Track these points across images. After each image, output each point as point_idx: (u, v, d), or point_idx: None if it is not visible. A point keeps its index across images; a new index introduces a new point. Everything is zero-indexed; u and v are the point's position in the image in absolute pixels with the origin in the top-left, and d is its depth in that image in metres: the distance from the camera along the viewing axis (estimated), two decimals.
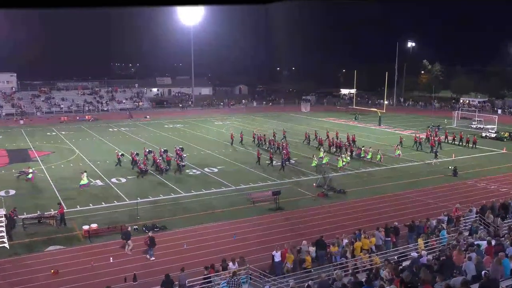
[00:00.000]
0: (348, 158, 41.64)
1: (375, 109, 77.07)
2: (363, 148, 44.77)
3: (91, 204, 29.89)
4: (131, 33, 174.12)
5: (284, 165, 39.66)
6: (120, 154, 41.66)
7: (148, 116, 79.74)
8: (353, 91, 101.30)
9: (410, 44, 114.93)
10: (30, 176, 35.63)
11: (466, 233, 20.97)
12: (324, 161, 40.37)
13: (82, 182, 32.90)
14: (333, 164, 40.05)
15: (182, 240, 23.94)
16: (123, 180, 36.14)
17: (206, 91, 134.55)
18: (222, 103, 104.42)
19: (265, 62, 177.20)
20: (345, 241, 20.68)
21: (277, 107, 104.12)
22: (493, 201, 25.68)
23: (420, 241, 20.13)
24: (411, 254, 18.19)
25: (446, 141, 52.28)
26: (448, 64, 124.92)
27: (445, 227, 21.86)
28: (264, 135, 51.93)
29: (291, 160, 42.37)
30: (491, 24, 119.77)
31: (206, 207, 29.61)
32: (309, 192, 32.96)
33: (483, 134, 56.75)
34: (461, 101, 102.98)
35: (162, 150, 43.23)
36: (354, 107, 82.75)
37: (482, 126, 63.32)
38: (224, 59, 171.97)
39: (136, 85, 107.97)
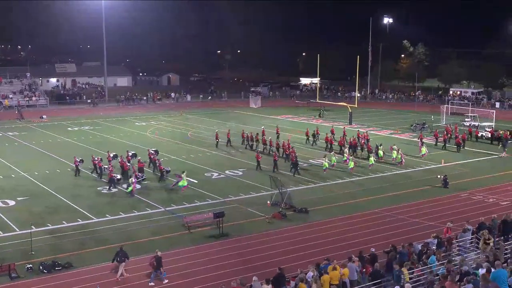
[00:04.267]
0: (373, 159, 45.05)
1: (344, 104, 78.58)
2: (380, 147, 47.78)
3: None
4: (20, 4, 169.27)
5: (299, 168, 42.77)
6: (78, 160, 42.07)
7: (45, 116, 77.80)
8: (316, 80, 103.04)
9: (387, 20, 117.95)
10: (182, 184, 37.02)
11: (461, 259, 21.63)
12: (332, 162, 44.02)
13: (182, 184, 36.74)
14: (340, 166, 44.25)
15: (93, 281, 23.46)
16: (11, 203, 35.08)
17: (123, 81, 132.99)
18: (145, 98, 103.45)
19: (202, 43, 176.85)
20: (310, 274, 20.90)
21: (218, 102, 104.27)
22: (494, 218, 26.69)
23: (404, 271, 20.62)
24: None
25: (436, 143, 54.37)
26: (434, 45, 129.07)
27: (434, 252, 22.50)
28: (257, 134, 53.87)
29: (236, 171, 42.80)
30: None
31: (125, 236, 29.15)
32: (262, 213, 33.10)
33: (479, 134, 59.01)
34: (451, 92, 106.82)
35: (130, 154, 44.30)
36: (317, 101, 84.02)
37: (477, 124, 65.80)
38: (147, 40, 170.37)
39: (28, 74, 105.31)
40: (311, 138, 55.46)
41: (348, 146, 49.69)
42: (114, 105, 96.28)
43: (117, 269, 24.10)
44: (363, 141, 51.31)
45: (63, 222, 31.34)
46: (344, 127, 59.10)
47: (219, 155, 50.21)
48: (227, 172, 43.37)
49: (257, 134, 53.90)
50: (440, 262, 21.59)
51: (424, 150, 49.03)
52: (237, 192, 37.74)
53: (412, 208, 34.19)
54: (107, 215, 32.59)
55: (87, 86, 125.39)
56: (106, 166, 41.25)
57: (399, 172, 43.98)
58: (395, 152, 46.52)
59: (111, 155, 43.73)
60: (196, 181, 40.13)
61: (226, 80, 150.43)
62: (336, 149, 50.45)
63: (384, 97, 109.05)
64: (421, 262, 21.80)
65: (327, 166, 43.04)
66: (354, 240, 28.28)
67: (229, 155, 50.42)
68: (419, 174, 43.36)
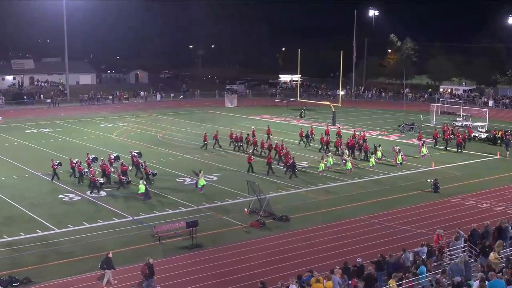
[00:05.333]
0: (373, 160, 45.91)
1: (327, 103, 78.87)
2: (379, 148, 48.64)
3: None
4: None
5: (296, 170, 43.50)
6: (56, 163, 42.23)
7: (0, 117, 76.95)
8: (297, 77, 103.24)
9: (373, 12, 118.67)
10: (201, 183, 38.38)
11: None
12: (328, 163, 45.08)
13: (201, 183, 38.16)
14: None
15: None
16: None
17: (87, 79, 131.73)
18: (110, 97, 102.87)
19: (173, 38, 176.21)
20: (292, 286, 20.96)
21: (190, 101, 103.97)
22: (487, 224, 26.97)
23: (392, 283, 20.75)
24: None
25: (436, 144, 55.43)
26: (423, 40, 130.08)
27: (424, 262, 22.67)
28: (248, 135, 54.06)
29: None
30: None
31: (90, 247, 28.95)
32: (239, 221, 33.10)
33: (472, 134, 59.69)
34: (441, 90, 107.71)
35: (112, 156, 44.66)
36: (298, 99, 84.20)
37: (469, 124, 66.49)
38: (112, 34, 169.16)
39: None
40: (304, 139, 56.03)
41: (345, 147, 50.29)
42: (76, 105, 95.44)
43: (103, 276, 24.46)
44: (360, 142, 51.90)
45: (21, 233, 31.02)
46: (339, 127, 59.78)
47: (193, 159, 50.01)
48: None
49: (248, 135, 54.06)
50: (430, 273, 21.76)
51: (424, 150, 49.83)
52: (211, 199, 37.65)
53: (400, 215, 34.41)
54: (70, 226, 32.31)
55: (46, 84, 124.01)
56: (86, 170, 41.37)
57: (388, 175, 44.21)
58: (395, 153, 47.30)
59: (91, 157, 43.91)
60: (168, 188, 40.13)
61: (199, 77, 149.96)
62: (332, 150, 50.86)
63: (370, 95, 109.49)
64: (410, 273, 21.95)
65: (323, 167, 43.70)
66: (339, 250, 28.38)
67: (206, 159, 50.29)
68: (408, 178, 43.73)
